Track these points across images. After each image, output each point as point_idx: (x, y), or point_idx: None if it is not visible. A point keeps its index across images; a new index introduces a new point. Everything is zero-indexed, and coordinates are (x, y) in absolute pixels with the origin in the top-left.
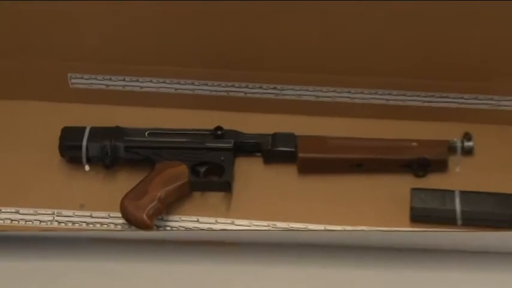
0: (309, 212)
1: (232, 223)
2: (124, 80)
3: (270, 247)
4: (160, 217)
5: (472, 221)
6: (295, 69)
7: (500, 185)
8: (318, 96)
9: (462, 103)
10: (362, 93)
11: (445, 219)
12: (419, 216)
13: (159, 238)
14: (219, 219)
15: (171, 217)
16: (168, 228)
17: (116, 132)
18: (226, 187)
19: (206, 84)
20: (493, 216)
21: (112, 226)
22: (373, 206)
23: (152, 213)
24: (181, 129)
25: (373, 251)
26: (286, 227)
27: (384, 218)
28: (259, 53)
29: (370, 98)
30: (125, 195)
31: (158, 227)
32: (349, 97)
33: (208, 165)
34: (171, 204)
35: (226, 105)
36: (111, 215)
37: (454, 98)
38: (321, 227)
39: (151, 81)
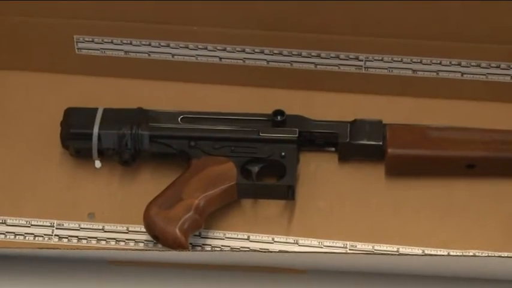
0: (400, 230)
1: (296, 243)
2: (150, 44)
3: (347, 276)
4: (197, 233)
5: None
6: (384, 32)
7: None
8: (415, 71)
9: None
10: (478, 66)
11: None
12: None
13: (196, 261)
14: (278, 237)
15: (212, 233)
16: (209, 248)
17: (138, 116)
18: (288, 193)
19: (262, 52)
20: None
21: (132, 244)
22: (490, 223)
23: (187, 228)
24: (227, 113)
25: (488, 284)
26: (370, 249)
27: (504, 239)
28: (337, 9)
29: (489, 73)
30: (150, 203)
31: (194, 246)
32: (459, 71)
33: (263, 163)
34: (212, 216)
35: (289, 81)
36: (130, 229)
37: None
38: (417, 250)
39: (187, 46)
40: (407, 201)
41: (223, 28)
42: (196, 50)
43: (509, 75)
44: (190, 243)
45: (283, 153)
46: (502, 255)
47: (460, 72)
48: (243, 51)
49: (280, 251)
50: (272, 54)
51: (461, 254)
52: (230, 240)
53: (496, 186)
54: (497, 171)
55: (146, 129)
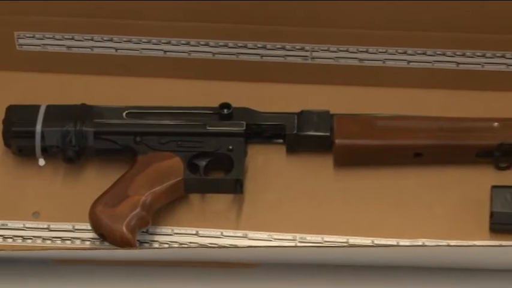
0: (350, 220)
1: (245, 237)
2: (92, 39)
3: (296, 269)
4: (145, 230)
5: None
6: (330, 22)
7: None
8: (361, 60)
9: None
10: (424, 54)
11: None
12: (502, 225)
13: (144, 258)
14: (227, 232)
15: (160, 229)
16: (157, 244)
17: (82, 113)
18: (236, 187)
19: (207, 45)
20: None
21: (78, 242)
22: (438, 211)
23: (134, 225)
24: (173, 107)
25: (438, 273)
26: (320, 241)
27: (452, 227)
28: (282, 1)
29: (434, 60)
30: (95, 201)
31: (142, 243)
32: (405, 60)
33: (210, 157)
34: (160, 212)
35: (235, 73)
36: (76, 228)
37: None
38: (367, 240)
39: (130, 40)
40: (356, 191)
41: (168, 21)
42: (140, 43)
43: (454, 62)
44: (138, 240)
45: (230, 147)
46: (451, 243)
47: (406, 60)
48: (188, 44)
49: (230, 246)
50: (217, 47)
51: (410, 243)
52: (178, 236)
53: (443, 174)
54: (444, 159)
55: (90, 125)
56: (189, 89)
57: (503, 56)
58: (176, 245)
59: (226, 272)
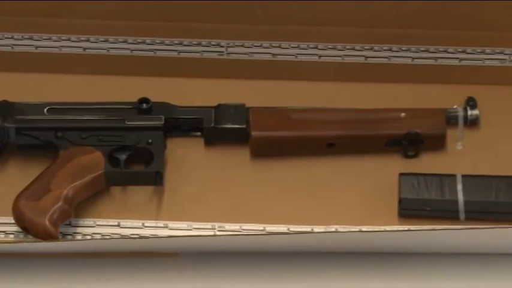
0: (266, 209)
1: (166, 227)
2: (12, 37)
3: (216, 257)
4: (68, 222)
5: (480, 215)
6: (245, 18)
7: None
8: (275, 55)
9: (464, 59)
10: (334, 48)
11: (444, 213)
12: (410, 210)
13: (67, 250)
14: (148, 223)
15: (82, 221)
16: (79, 236)
17: (4, 109)
18: (156, 179)
19: (125, 42)
20: (508, 208)
21: (2, 236)
22: (350, 199)
23: (57, 218)
24: (93, 102)
25: (350, 258)
26: (238, 229)
27: (364, 213)
28: None
29: (344, 54)
30: (18, 195)
31: (65, 235)
32: (316, 54)
33: (131, 151)
34: (82, 204)
35: (153, 69)
36: (0, 221)
37: (453, 52)
38: (283, 228)
39: (50, 38)
40: (272, 181)
41: (86, 19)
42: (59, 41)
43: (363, 56)
44: (61, 233)
45: (150, 140)
46: (362, 229)
47: (317, 54)
48: (107, 41)
49: (151, 236)
50: (135, 43)
51: (324, 229)
52: (101, 227)
53: (355, 163)
54: (356, 149)
55: (12, 121)
56: (108, 85)
57: (408, 50)
58: (98, 237)
59: (148, 262)
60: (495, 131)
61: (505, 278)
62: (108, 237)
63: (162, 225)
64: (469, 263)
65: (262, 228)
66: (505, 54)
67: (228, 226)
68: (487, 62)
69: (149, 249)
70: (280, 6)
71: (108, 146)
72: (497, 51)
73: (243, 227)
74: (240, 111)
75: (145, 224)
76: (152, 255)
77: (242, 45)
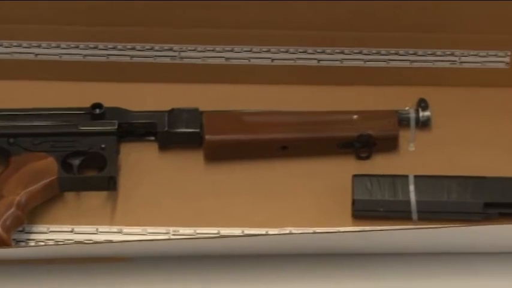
0: (221, 212)
1: (120, 232)
2: None
3: (171, 261)
4: (21, 228)
5: (432, 215)
6: (197, 23)
7: (467, 164)
8: (228, 59)
9: (415, 61)
10: (286, 51)
11: (396, 214)
12: (363, 211)
13: (20, 257)
14: (102, 228)
15: (35, 228)
16: (33, 243)
17: None
18: (109, 184)
19: (77, 47)
20: (459, 207)
21: None
22: (304, 201)
23: (10, 224)
24: (46, 108)
25: (306, 259)
26: (192, 233)
27: (318, 215)
28: (147, 2)
29: (297, 58)
30: None
31: (18, 242)
32: (269, 58)
33: (84, 156)
34: (35, 210)
35: (105, 74)
36: None
37: (405, 54)
38: (237, 231)
39: (1, 44)
40: (226, 184)
41: (37, 24)
42: (10, 47)
43: (315, 59)
44: (14, 239)
45: (103, 145)
46: (316, 230)
47: (270, 58)
48: (59, 46)
49: (105, 241)
50: (87, 49)
51: (278, 232)
52: (54, 233)
53: (309, 165)
54: (309, 151)
55: None
56: (61, 91)
57: (360, 53)
58: (52, 243)
59: (102, 267)
60: (446, 132)
61: (457, 276)
62: (61, 243)
63: (116, 230)
64: (422, 262)
65: (216, 232)
66: (455, 55)
67: (182, 230)
68: (438, 64)
69: (103, 254)
70: (232, 10)
71: (61, 151)
72: (448, 53)
73: (198, 231)
74: (194, 115)
75: (99, 230)
76: (106, 261)
77: (195, 50)
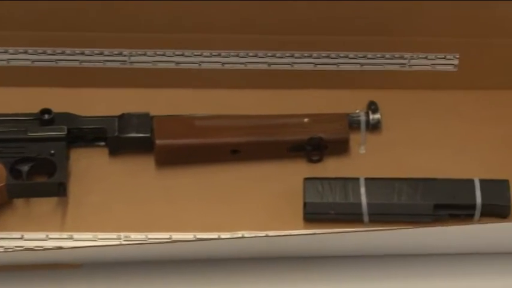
0: (173, 217)
1: (71, 238)
2: None
3: (122, 267)
4: None
5: (383, 217)
6: (147, 28)
7: (418, 166)
8: (178, 63)
9: (365, 64)
10: (237, 55)
11: (348, 216)
12: (315, 214)
13: None
14: (52, 234)
15: None
16: None
17: None
18: (59, 190)
19: (25, 52)
20: (410, 209)
21: None
22: (256, 205)
23: None
24: None
25: (258, 263)
26: (144, 238)
27: (270, 219)
28: (98, 6)
29: (247, 61)
30: None
31: None
32: (220, 62)
33: (33, 162)
34: None
35: (54, 79)
36: None
37: (354, 57)
38: (189, 235)
39: None
40: (178, 189)
41: None
42: None
43: (266, 62)
44: None
45: (52, 151)
46: (269, 234)
47: (220, 62)
48: (6, 52)
49: (56, 247)
50: (36, 54)
51: (230, 236)
52: (3, 240)
53: (260, 169)
54: (260, 155)
55: None
56: (9, 96)
57: (310, 56)
58: (1, 250)
59: (52, 274)
60: (396, 134)
61: (408, 278)
62: (11, 250)
63: (67, 237)
64: (374, 265)
65: (168, 237)
66: (405, 58)
67: (134, 235)
68: (388, 67)
69: (53, 261)
70: (182, 14)
71: (9, 157)
72: (397, 56)
73: (149, 236)
74: (144, 120)
75: (50, 236)
76: (57, 267)
77: (145, 54)
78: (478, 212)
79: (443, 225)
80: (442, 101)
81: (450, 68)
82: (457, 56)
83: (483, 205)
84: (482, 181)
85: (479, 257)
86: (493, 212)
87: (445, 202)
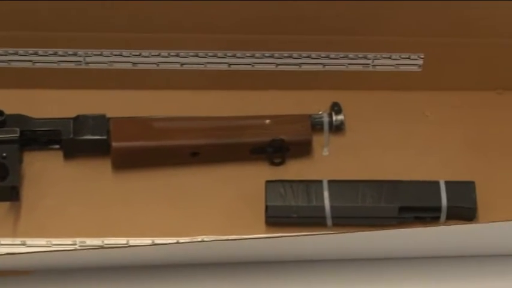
0: (130, 222)
1: (24, 244)
2: None
3: (77, 274)
4: None
5: (347, 220)
6: (102, 27)
7: (382, 168)
8: (135, 64)
9: (328, 64)
10: (196, 56)
11: (311, 220)
12: (276, 218)
13: None
14: (4, 240)
15: None
16: None
17: None
18: (12, 194)
19: None
20: (374, 212)
21: None
22: (217, 208)
23: None
24: None
25: (218, 268)
26: (100, 244)
27: (231, 222)
28: (52, 5)
29: (207, 62)
30: None
31: None
32: (178, 62)
33: None
34: None
35: (7, 80)
36: None
37: (317, 58)
38: (147, 240)
39: None
40: (135, 193)
41: None
42: None
43: (226, 63)
44: None
45: (4, 154)
46: (230, 238)
47: (179, 62)
48: None
49: (7, 254)
50: None
51: (189, 240)
52: None
53: (221, 171)
54: (221, 157)
55: None
56: None
57: (271, 56)
58: None
59: (4, 281)
60: (360, 135)
61: (372, 282)
62: None
63: (20, 243)
64: (338, 269)
65: (125, 242)
66: (368, 59)
67: (89, 241)
68: (351, 67)
69: (5, 267)
70: (139, 13)
71: None
72: (361, 56)
73: (106, 241)
74: (100, 121)
75: (1, 242)
76: (8, 274)
77: (101, 54)
78: (443, 215)
79: (408, 227)
80: (406, 102)
81: (414, 68)
82: (422, 56)
83: (449, 207)
84: (447, 183)
85: (445, 260)
86: (459, 214)
87: (410, 205)
